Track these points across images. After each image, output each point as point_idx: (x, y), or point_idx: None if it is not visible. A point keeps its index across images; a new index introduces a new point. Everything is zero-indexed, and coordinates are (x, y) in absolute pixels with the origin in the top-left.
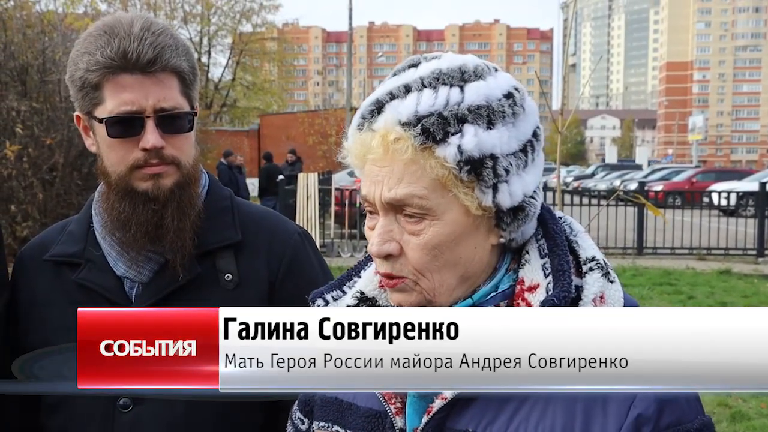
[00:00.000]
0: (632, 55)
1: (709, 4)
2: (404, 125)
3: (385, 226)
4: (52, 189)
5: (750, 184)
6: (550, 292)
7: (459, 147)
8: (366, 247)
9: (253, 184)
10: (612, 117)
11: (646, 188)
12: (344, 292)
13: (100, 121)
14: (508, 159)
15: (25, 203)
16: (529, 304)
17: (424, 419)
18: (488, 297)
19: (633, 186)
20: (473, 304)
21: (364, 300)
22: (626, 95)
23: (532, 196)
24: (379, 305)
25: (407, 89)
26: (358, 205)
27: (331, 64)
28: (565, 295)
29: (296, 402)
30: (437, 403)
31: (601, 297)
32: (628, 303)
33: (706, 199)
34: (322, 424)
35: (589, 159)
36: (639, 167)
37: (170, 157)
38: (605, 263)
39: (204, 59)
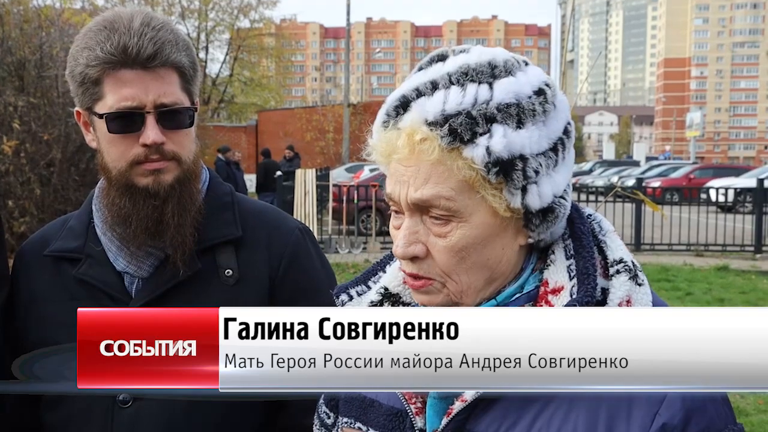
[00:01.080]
0: (630, 51)
1: (707, 0)
2: (431, 125)
3: (411, 228)
4: (50, 185)
5: (747, 181)
6: (574, 296)
7: (487, 148)
8: (363, 243)
9: (250, 180)
10: (610, 113)
11: (643, 184)
12: (369, 287)
13: (101, 116)
14: (537, 159)
15: (23, 199)
16: (552, 307)
17: (444, 421)
18: (513, 298)
19: (630, 182)
20: (497, 305)
21: (388, 296)
22: (624, 91)
23: (562, 196)
24: (402, 302)
25: (434, 86)
26: (356, 201)
27: (329, 60)
28: (588, 300)
29: (322, 396)
30: (457, 405)
31: (628, 301)
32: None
33: (703, 196)
34: (345, 419)
35: (586, 155)
36: (636, 163)
37: (171, 152)
38: (634, 265)
39: (201, 55)
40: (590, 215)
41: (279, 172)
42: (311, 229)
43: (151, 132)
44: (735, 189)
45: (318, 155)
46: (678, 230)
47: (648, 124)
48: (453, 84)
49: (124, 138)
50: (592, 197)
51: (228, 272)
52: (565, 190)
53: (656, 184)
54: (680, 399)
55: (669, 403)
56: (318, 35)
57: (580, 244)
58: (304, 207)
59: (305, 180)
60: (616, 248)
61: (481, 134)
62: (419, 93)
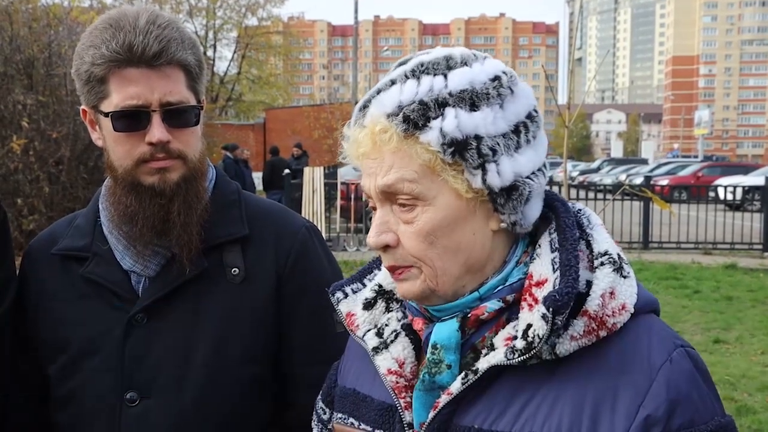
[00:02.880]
0: (638, 49)
1: None
2: (389, 116)
3: (382, 218)
4: (59, 182)
5: (756, 179)
6: (556, 288)
7: (441, 130)
8: None
9: (258, 179)
10: (618, 111)
11: (651, 182)
12: (364, 285)
13: (106, 115)
14: (495, 139)
15: (32, 197)
16: (536, 299)
17: (431, 414)
18: (496, 290)
19: (638, 180)
20: (480, 298)
21: (382, 293)
22: (632, 89)
23: (529, 177)
24: (396, 298)
25: (392, 82)
26: (363, 199)
27: (337, 57)
28: (569, 291)
29: (320, 393)
30: (443, 399)
31: (611, 293)
32: (643, 299)
33: (711, 194)
34: (339, 415)
35: (594, 153)
36: (645, 161)
37: (176, 151)
38: (619, 257)
39: (209, 53)
40: (580, 210)
41: (287, 170)
42: (319, 227)
43: (157, 130)
44: (743, 187)
45: (326, 153)
46: (686, 228)
47: (656, 122)
48: (408, 78)
49: (129, 136)
50: (600, 195)
51: (234, 271)
52: (534, 172)
53: (664, 182)
54: (665, 390)
55: (653, 395)
56: (326, 33)
57: (564, 237)
58: (312, 205)
59: (313, 178)
60: (602, 241)
61: (434, 118)
62: (378, 91)
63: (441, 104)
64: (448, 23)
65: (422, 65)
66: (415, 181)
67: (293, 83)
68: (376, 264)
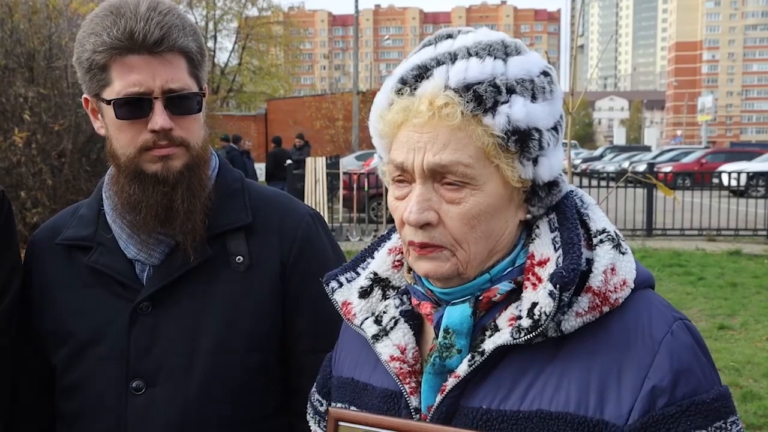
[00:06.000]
0: (641, 35)
1: None
2: (456, 91)
3: (424, 194)
4: (61, 175)
5: (760, 165)
6: (559, 265)
7: (508, 116)
8: (374, 230)
9: (260, 169)
10: (620, 98)
11: (655, 169)
12: (358, 274)
13: (108, 102)
14: (548, 134)
15: (35, 189)
16: (539, 278)
17: (438, 398)
18: (505, 272)
19: (642, 167)
20: (491, 279)
21: (378, 281)
22: (635, 76)
23: (560, 173)
24: (392, 286)
25: (453, 57)
26: (366, 189)
27: (338, 47)
28: (574, 267)
29: (314, 384)
30: (450, 382)
31: (612, 269)
32: (642, 275)
33: (715, 180)
34: (339, 405)
35: (597, 141)
36: (648, 149)
37: (179, 138)
38: (617, 235)
39: (210, 44)
40: (572, 191)
41: (289, 161)
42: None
43: (159, 118)
44: (747, 173)
45: (328, 143)
46: (690, 215)
47: (659, 109)
48: (472, 55)
49: (132, 124)
50: (603, 183)
51: (239, 259)
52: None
53: (668, 168)
54: (668, 361)
55: (657, 367)
56: (326, 23)
57: (564, 217)
58: (315, 195)
59: (315, 168)
60: (599, 219)
61: (502, 103)
62: (439, 62)
63: (509, 90)
64: (449, 11)
65: (484, 45)
66: (471, 165)
67: (294, 73)
68: (368, 252)
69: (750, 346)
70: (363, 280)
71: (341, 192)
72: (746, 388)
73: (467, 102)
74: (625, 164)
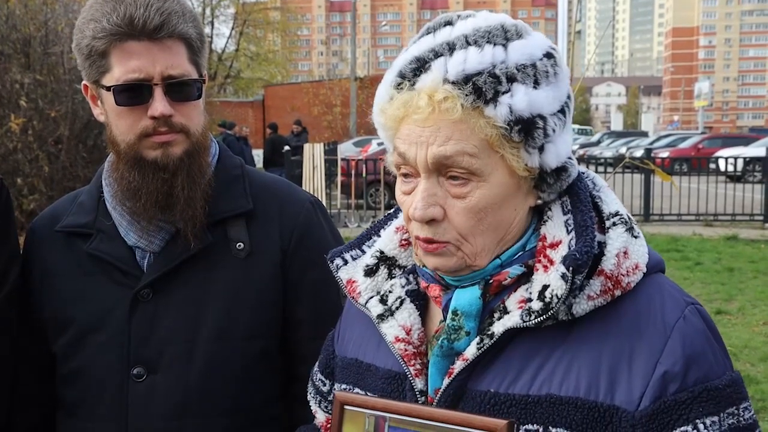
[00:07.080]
0: (638, 21)
1: None
2: (454, 84)
3: (429, 189)
4: (58, 162)
5: (756, 150)
6: (572, 248)
7: (510, 107)
8: (372, 217)
9: (258, 156)
10: (617, 84)
11: (652, 155)
12: (363, 252)
13: (108, 89)
14: (553, 119)
15: (31, 176)
16: (551, 261)
17: (446, 381)
18: (516, 256)
19: (639, 153)
20: (501, 264)
21: (384, 259)
22: (632, 62)
23: (569, 156)
24: (398, 265)
25: (451, 47)
26: (364, 175)
27: (335, 33)
28: (588, 250)
29: (317, 364)
30: (458, 365)
31: (625, 252)
32: (653, 259)
33: (712, 166)
34: (343, 386)
35: (594, 127)
36: (645, 134)
37: (179, 125)
38: (629, 218)
39: (207, 30)
40: (583, 173)
41: (287, 147)
42: None
43: (159, 104)
44: (744, 158)
45: (325, 130)
46: (687, 200)
47: (656, 95)
48: (470, 45)
49: (131, 110)
50: (600, 168)
51: (239, 245)
52: (570, 150)
53: (665, 154)
54: (680, 347)
55: (669, 352)
56: (323, 9)
57: (578, 199)
58: (313, 182)
59: (313, 155)
60: (611, 202)
61: (503, 93)
62: (436, 54)
63: (510, 78)
64: None
65: (479, 31)
66: (475, 156)
67: (291, 60)
68: (374, 230)
69: (747, 330)
70: (369, 258)
71: (339, 178)
72: (743, 373)
73: (467, 95)
74: (623, 150)
